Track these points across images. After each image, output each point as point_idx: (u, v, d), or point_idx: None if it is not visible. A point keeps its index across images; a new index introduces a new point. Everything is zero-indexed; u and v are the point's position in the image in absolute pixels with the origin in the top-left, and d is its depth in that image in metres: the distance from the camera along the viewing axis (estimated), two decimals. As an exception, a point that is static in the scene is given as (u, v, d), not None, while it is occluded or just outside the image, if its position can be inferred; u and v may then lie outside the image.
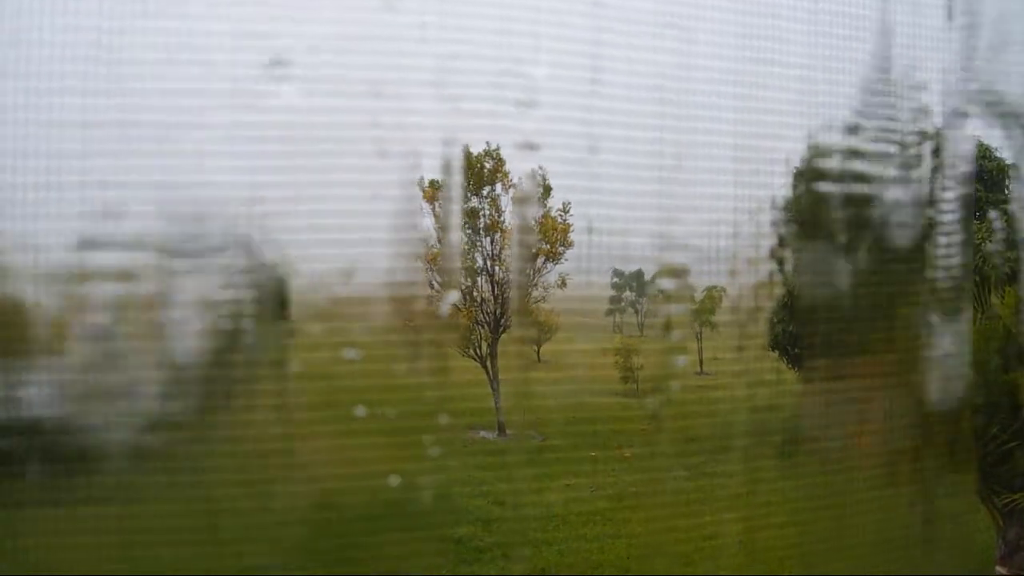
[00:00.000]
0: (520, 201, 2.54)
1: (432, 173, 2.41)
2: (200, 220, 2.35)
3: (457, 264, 2.78)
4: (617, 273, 13.87)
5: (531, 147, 2.40)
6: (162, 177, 2.35)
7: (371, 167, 2.41)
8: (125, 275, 2.44)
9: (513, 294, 13.52)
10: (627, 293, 14.45)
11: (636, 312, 15.08)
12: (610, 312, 14.86)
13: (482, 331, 14.15)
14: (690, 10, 2.61)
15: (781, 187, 2.73)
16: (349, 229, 2.40)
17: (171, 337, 2.56)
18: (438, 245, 14.64)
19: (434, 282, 14.85)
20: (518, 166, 2.33)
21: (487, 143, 12.34)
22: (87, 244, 2.35)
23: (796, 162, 2.77)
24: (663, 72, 2.58)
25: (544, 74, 2.45)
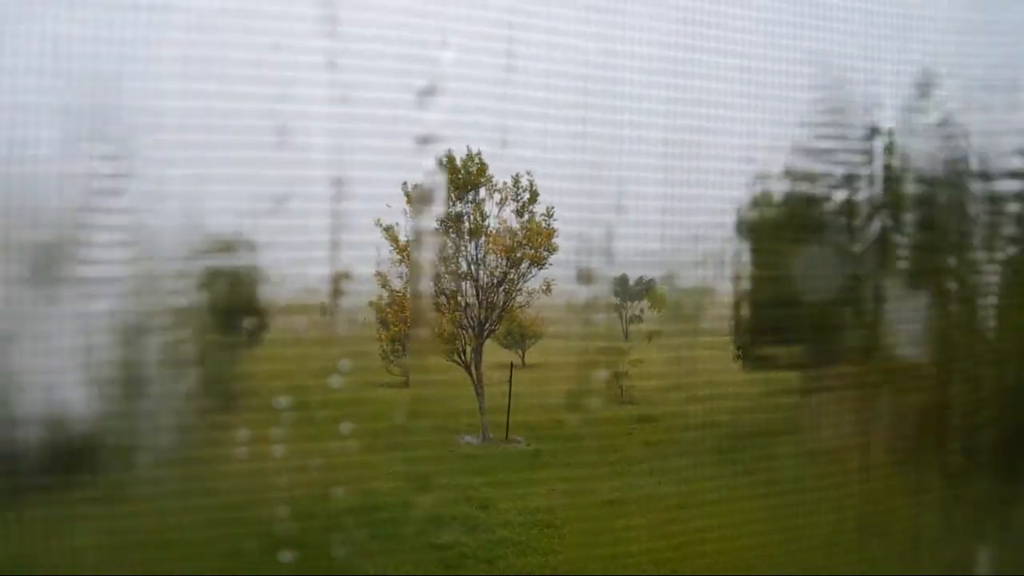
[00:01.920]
0: (420, 199, 2.33)
1: (335, 169, 2.19)
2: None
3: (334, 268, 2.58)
4: (620, 281, 13.68)
5: (434, 140, 2.19)
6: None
7: (261, 159, 2.19)
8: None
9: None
10: (613, 298, 14.22)
11: (621, 317, 14.86)
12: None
13: (466, 335, 14.01)
14: (613, -3, 2.39)
15: (714, 185, 2.52)
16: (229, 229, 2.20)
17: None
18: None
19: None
20: (419, 161, 2.12)
21: (468, 147, 12.19)
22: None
23: (733, 159, 2.56)
24: (586, 60, 2.37)
25: (452, 59, 2.23)
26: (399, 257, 13.60)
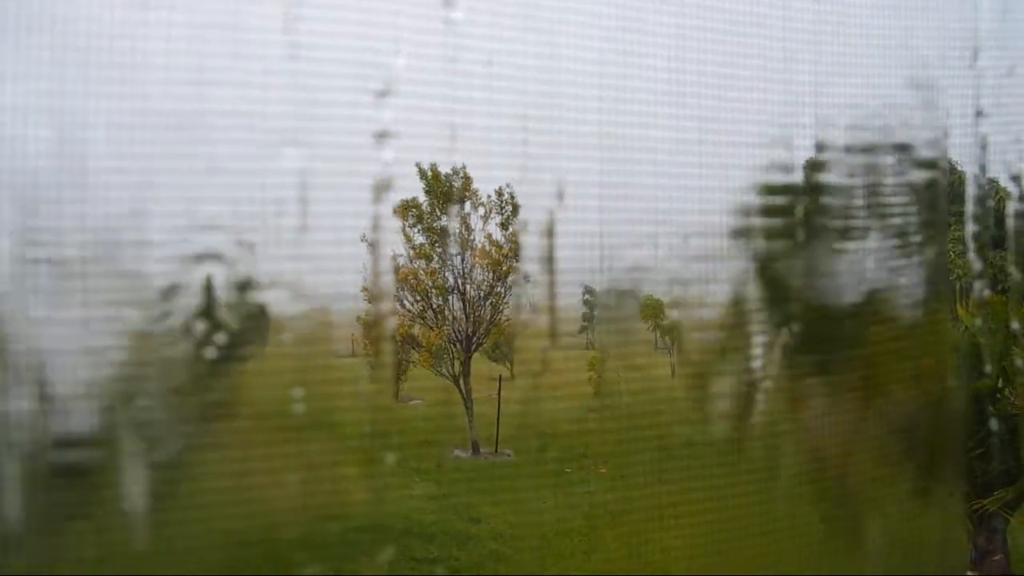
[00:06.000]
0: (381, 188, 2.54)
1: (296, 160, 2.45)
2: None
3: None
4: (588, 290, 13.88)
5: (388, 135, 2.46)
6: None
7: (234, 154, 2.46)
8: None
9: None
10: (599, 311, 14.43)
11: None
12: (583, 329, 14.85)
13: (454, 349, 14.15)
14: (553, 2, 2.68)
15: (648, 174, 2.79)
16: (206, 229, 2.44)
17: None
18: (409, 264, 14.63)
19: (405, 301, 14.79)
20: (379, 154, 2.35)
21: (453, 164, 12.47)
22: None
23: (664, 151, 2.83)
24: (526, 63, 2.66)
25: (403, 64, 2.52)
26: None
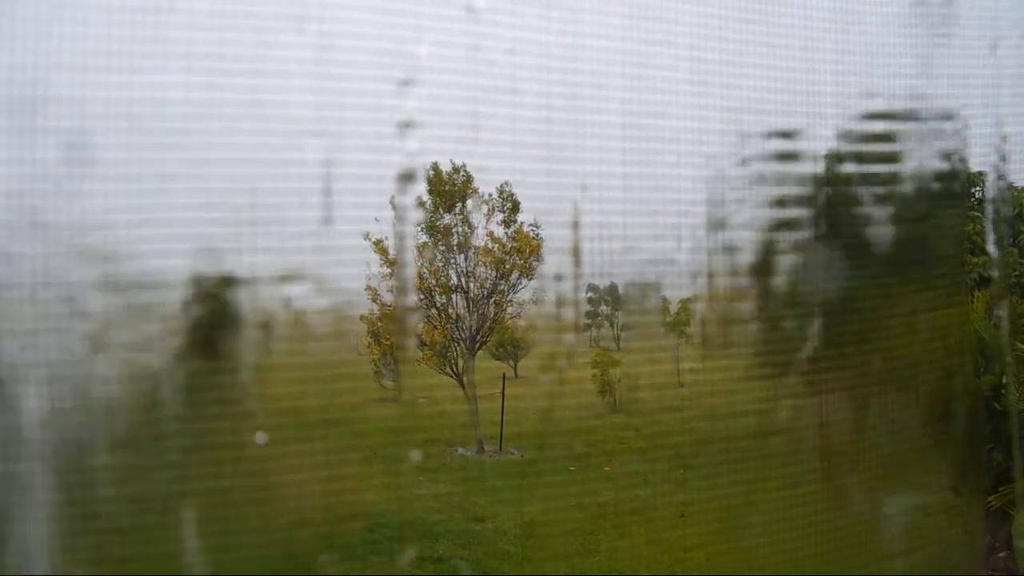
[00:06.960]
0: (405, 178, 2.51)
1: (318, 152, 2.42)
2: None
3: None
4: (592, 287, 13.89)
5: (413, 125, 2.44)
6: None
7: (256, 144, 2.43)
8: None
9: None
10: (602, 307, 14.47)
11: (612, 326, 15.08)
12: (587, 327, 14.85)
13: (458, 348, 14.13)
14: (575, -10, 2.66)
15: (670, 164, 2.77)
16: (229, 222, 2.42)
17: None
18: (412, 262, 14.55)
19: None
20: (402, 144, 2.34)
21: (452, 161, 12.42)
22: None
23: (686, 141, 2.81)
24: (548, 52, 2.64)
25: (426, 53, 2.49)
26: (389, 271, 13.68)
